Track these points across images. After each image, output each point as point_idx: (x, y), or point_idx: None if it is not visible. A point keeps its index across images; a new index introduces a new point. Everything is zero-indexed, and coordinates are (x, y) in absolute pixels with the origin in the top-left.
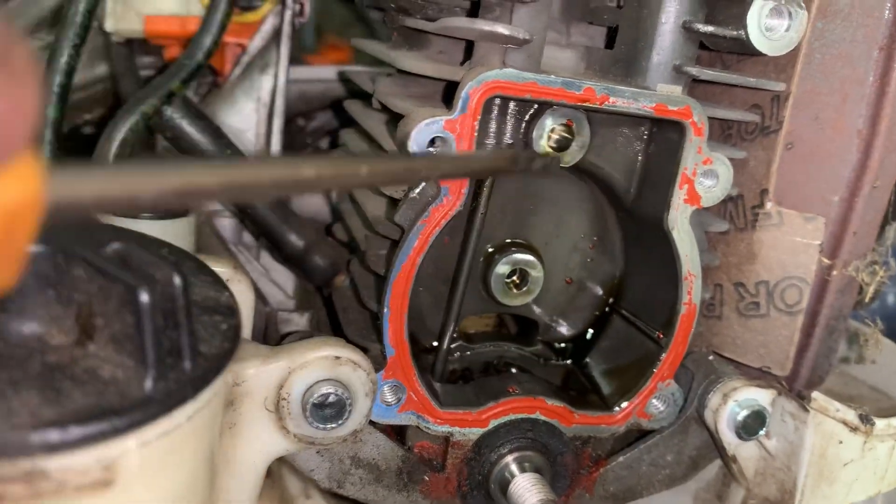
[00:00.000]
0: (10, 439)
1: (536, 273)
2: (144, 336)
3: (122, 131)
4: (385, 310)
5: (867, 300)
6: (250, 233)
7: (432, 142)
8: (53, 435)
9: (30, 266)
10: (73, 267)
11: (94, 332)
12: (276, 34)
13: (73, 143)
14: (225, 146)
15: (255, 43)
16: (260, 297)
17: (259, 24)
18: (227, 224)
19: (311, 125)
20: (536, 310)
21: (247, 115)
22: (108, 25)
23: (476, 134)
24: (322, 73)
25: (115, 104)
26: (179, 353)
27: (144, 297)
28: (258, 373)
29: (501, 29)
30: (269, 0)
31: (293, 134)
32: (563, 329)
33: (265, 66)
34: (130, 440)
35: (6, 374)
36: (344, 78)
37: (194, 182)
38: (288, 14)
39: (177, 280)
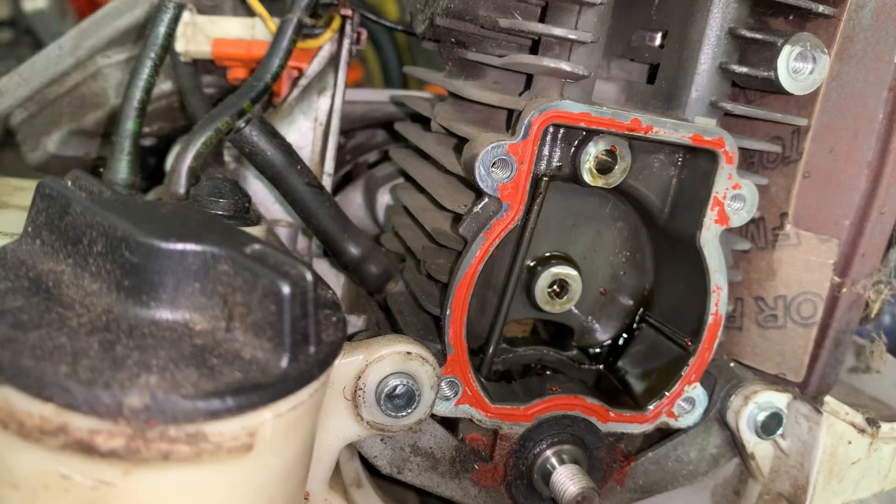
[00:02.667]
0: (180, 407)
1: (575, 284)
2: (284, 323)
3: (197, 144)
4: (448, 312)
5: (872, 316)
6: (305, 241)
7: (495, 163)
8: (215, 404)
9: (180, 262)
10: (220, 263)
11: (236, 319)
12: (333, 59)
13: None
14: (296, 162)
15: (313, 67)
16: None
17: (316, 51)
18: (283, 233)
19: (350, 143)
20: (574, 316)
21: (304, 133)
22: (179, 46)
23: (535, 157)
24: (364, 95)
25: (175, 119)
26: (307, 339)
27: (286, 290)
28: (340, 364)
29: (565, 66)
30: (330, 28)
31: None
32: (597, 335)
33: (323, 89)
34: (268, 411)
35: (165, 353)
36: (397, 102)
37: None
38: (346, 42)
39: (308, 276)
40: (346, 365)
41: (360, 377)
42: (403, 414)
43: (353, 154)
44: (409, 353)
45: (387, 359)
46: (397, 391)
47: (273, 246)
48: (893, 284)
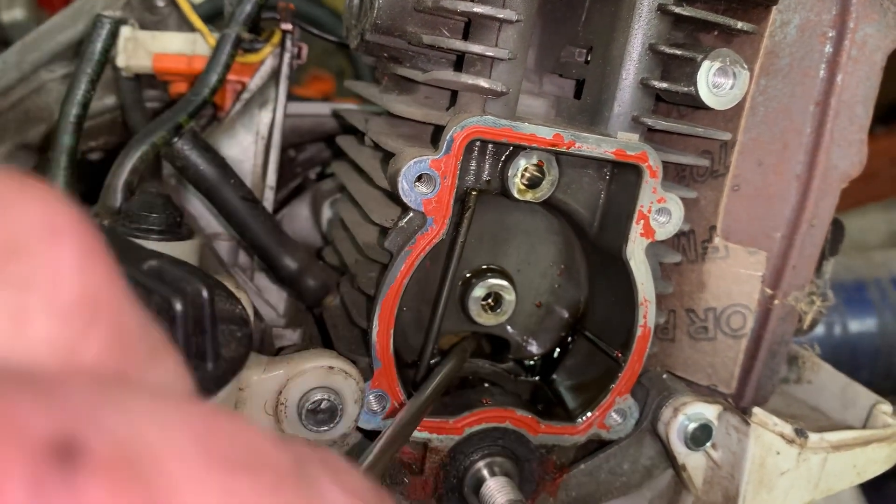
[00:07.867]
0: None
1: (509, 296)
2: (177, 340)
3: (133, 159)
4: (374, 326)
5: (805, 328)
6: (247, 255)
7: (419, 177)
8: None
9: None
10: None
11: None
12: (275, 74)
13: (81, 167)
14: (229, 175)
15: (255, 81)
16: (255, 314)
17: (259, 65)
18: (224, 247)
19: (301, 156)
20: (509, 330)
21: (246, 147)
22: (120, 61)
23: (458, 171)
24: (313, 109)
25: (122, 133)
26: (204, 355)
27: (178, 307)
28: (260, 380)
29: (483, 82)
30: (270, 43)
31: (284, 164)
32: (533, 348)
33: (264, 103)
34: None
35: None
36: (337, 115)
37: None
38: (287, 56)
39: (204, 293)
40: (267, 380)
41: (281, 392)
42: (326, 428)
43: (304, 167)
44: (331, 367)
45: (308, 373)
46: (320, 406)
47: (174, 262)
48: (829, 296)
